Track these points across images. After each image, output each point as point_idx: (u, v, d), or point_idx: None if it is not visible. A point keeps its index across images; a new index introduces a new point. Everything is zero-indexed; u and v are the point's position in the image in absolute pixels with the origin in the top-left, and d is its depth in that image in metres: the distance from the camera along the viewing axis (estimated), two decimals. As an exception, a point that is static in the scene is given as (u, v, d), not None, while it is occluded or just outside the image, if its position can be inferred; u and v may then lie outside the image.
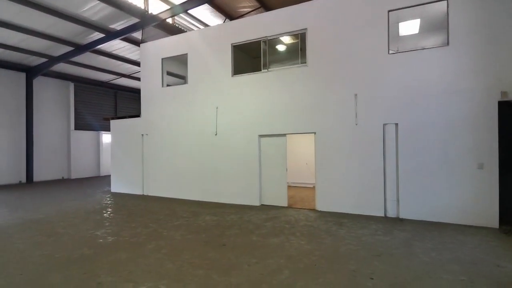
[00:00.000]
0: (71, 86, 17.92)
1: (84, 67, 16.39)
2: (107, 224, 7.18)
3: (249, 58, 11.56)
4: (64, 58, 14.76)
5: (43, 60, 14.93)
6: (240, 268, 4.47)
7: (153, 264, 4.68)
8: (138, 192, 11.54)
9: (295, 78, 8.60)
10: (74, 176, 17.95)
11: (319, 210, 8.21)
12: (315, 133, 8.30)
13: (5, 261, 4.88)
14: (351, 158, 7.82)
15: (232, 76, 9.59)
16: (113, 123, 12.35)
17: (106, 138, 19.99)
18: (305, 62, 8.51)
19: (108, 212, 8.48)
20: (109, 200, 10.39)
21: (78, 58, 15.23)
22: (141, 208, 8.94)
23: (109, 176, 18.95)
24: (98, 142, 19.43)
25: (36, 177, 16.15)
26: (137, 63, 16.63)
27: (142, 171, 11.45)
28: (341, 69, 8.00)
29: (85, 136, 18.76)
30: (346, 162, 7.89)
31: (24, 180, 15.75)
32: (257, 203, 9.06)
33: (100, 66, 16.80)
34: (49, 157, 16.90)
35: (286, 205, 8.80)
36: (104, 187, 13.74)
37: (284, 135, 8.80)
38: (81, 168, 18.37)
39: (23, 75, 15.70)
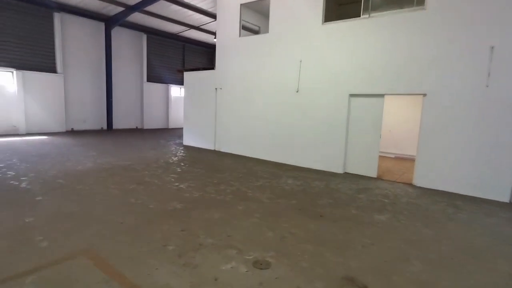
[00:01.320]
0: (144, 38, 18.09)
1: (156, 17, 16.19)
2: (188, 177, 7.04)
3: (335, 6, 9.94)
4: (139, 7, 14.62)
5: (120, 9, 14.98)
6: (353, 248, 3.78)
7: (250, 229, 4.24)
8: (209, 147, 11.46)
9: (405, 25, 6.99)
10: (146, 126, 18.89)
11: (417, 185, 7.04)
12: (425, 94, 6.84)
13: (105, 207, 4.89)
14: (471, 128, 6.32)
15: (322, 23, 8.26)
16: (187, 75, 12.08)
17: (174, 91, 20.37)
18: (423, 4, 6.79)
19: (187, 165, 8.41)
20: (184, 153, 10.46)
21: (151, 7, 15.00)
22: (217, 164, 8.73)
23: (177, 129, 19.65)
24: (167, 94, 19.91)
25: (115, 125, 17.28)
26: (208, 14, 15.91)
27: (215, 126, 11.21)
28: (474, 12, 6.18)
29: (156, 88, 19.28)
30: (463, 132, 6.42)
31: (105, 127, 16.97)
32: (340, 171, 8.19)
33: (171, 16, 16.46)
34: (126, 107, 17.84)
35: (375, 175, 7.78)
36: (175, 139, 14.07)
37: (382, 95, 7.48)
38: (152, 119, 19.21)
39: (102, 25, 16.12)
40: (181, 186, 6.29)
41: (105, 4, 14.36)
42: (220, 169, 8.04)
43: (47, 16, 14.08)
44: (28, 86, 13.61)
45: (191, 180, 6.81)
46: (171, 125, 20.27)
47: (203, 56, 22.21)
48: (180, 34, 19.46)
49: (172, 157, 9.53)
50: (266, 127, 9.68)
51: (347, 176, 7.91)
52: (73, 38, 15.13)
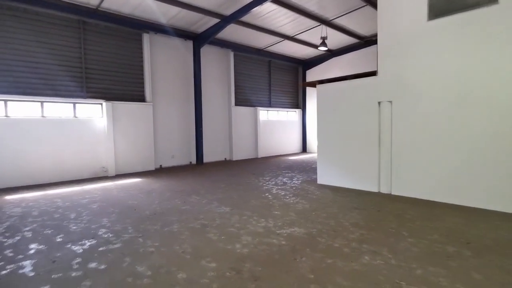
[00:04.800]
0: (231, 55, 15.68)
1: (248, 27, 13.52)
2: (466, 278, 3.41)
3: None
4: (235, 17, 12.18)
5: (214, 21, 12.66)
6: None
7: None
8: (369, 188, 7.83)
9: None
10: (235, 157, 16.06)
11: None
12: None
13: None
14: None
15: None
16: (322, 88, 8.84)
17: (262, 114, 17.53)
18: None
19: (407, 235, 4.80)
20: (347, 201, 6.94)
21: (245, 17, 12.50)
22: (434, 226, 5.00)
23: (268, 158, 16.51)
24: (255, 119, 17.08)
25: (204, 158, 14.66)
26: (312, 17, 12.98)
27: (379, 158, 7.62)
28: None
29: (244, 112, 16.56)
30: None
31: (193, 161, 14.43)
32: None
33: (265, 25, 13.82)
34: (214, 136, 15.26)
35: None
36: (294, 174, 10.69)
37: None
38: (241, 149, 16.38)
39: (190, 44, 14.00)
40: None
41: (199, 17, 12.13)
42: (456, 239, 4.30)
43: (136, 38, 12.22)
44: (117, 119, 11.55)
45: (453, 276, 3.17)
46: (261, 154, 17.23)
47: (289, 72, 19.36)
48: (266, 49, 16.84)
49: (346, 212, 6.04)
50: (493, 156, 5.82)
51: None
52: (160, 61, 13.10)
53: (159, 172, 12.19)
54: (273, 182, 9.34)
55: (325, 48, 14.17)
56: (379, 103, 7.55)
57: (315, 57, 18.83)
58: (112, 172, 11.34)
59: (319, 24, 13.64)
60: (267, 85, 18.03)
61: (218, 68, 15.45)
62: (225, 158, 15.94)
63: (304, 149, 19.90)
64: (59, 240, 4.80)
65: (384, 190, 7.57)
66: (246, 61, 16.74)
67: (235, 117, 16.00)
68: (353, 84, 8.05)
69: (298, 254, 4.11)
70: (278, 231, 5.00)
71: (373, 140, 7.68)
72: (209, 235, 4.89)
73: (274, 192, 8.00)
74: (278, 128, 18.44)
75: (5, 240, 4.83)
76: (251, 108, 16.95)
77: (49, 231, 5.22)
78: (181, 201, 7.24)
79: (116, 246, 4.51)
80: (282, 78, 18.92)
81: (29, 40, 9.69)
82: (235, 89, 16.14)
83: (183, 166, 13.85)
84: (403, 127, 7.13)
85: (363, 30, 15.07)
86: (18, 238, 4.92)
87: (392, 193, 7.42)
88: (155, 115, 12.93)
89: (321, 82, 8.77)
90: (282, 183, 9.25)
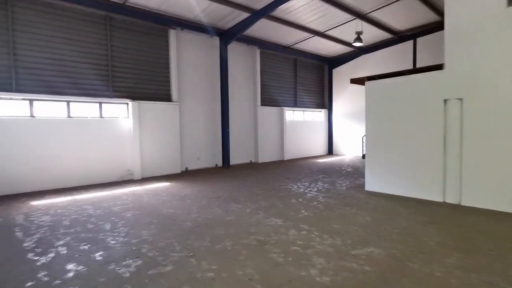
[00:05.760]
0: (257, 52, 14.95)
1: (277, 22, 12.76)
2: None
3: None
4: (266, 12, 11.47)
5: (244, 16, 11.95)
6: None
7: None
8: (432, 197, 6.92)
9: None
10: (261, 160, 15.30)
11: None
12: None
13: None
14: None
15: None
16: (371, 85, 7.98)
17: (289, 115, 16.72)
18: None
19: (490, 251, 3.94)
20: (408, 211, 6.07)
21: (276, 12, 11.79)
22: None
23: (295, 160, 15.66)
24: (281, 119, 16.29)
25: (230, 161, 13.96)
26: (348, 9, 12.12)
27: (444, 162, 6.71)
28: None
29: (270, 112, 15.79)
30: None
31: (219, 163, 13.75)
32: None
33: (295, 20, 13.07)
34: (239, 138, 14.53)
35: None
36: (333, 179, 9.83)
37: None
38: (267, 151, 15.61)
39: (216, 42, 13.33)
40: None
41: (229, 11, 11.44)
42: None
43: (162, 35, 11.63)
44: (143, 120, 10.97)
45: None
46: (287, 157, 16.42)
47: (315, 71, 18.50)
48: (292, 46, 16.04)
49: (420, 227, 5.19)
50: None
51: None
52: (186, 58, 12.48)
53: (186, 175, 11.55)
54: (315, 188, 8.53)
55: (360, 44, 13.30)
56: (445, 100, 6.65)
57: (343, 54, 17.91)
58: (138, 175, 10.76)
59: (354, 18, 12.77)
60: (293, 84, 17.22)
61: (244, 66, 14.75)
62: (251, 161, 15.20)
63: (330, 151, 18.97)
64: (99, 258, 4.13)
65: (450, 200, 6.66)
66: (272, 59, 15.98)
67: (261, 118, 15.26)
68: (411, 80, 7.17)
69: (395, 285, 3.31)
70: (352, 252, 4.20)
71: (436, 142, 6.78)
72: (271, 256, 4.14)
73: (322, 200, 7.20)
74: (304, 129, 17.61)
75: (37, 258, 4.20)
76: (277, 108, 16.17)
77: (86, 246, 4.57)
78: (222, 210, 6.52)
79: (167, 269, 3.80)
80: (308, 76, 18.08)
81: (54, 36, 9.19)
82: (261, 88, 15.39)
83: (209, 168, 13.19)
84: (477, 128, 6.21)
85: (399, 24, 14.10)
86: (51, 255, 4.28)
87: (461, 204, 6.49)
88: (181, 115, 12.30)
89: (371, 78, 7.92)
90: (324, 189, 8.43)
